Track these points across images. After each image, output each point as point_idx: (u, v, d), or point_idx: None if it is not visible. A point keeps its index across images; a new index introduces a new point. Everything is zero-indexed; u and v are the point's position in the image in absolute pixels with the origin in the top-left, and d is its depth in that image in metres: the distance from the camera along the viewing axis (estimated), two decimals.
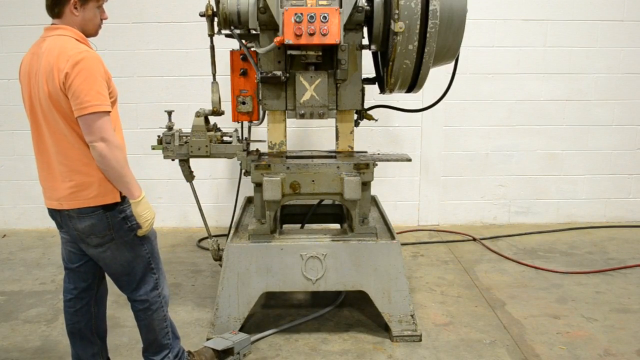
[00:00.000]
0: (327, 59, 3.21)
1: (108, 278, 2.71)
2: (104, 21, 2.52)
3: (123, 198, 2.44)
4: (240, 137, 3.38)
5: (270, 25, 3.14)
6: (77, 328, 2.66)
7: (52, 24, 2.42)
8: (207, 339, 3.12)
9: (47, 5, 2.39)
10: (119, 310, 3.64)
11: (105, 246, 2.46)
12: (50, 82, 2.27)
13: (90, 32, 2.46)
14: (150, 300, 2.62)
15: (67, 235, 2.55)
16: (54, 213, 2.50)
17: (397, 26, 2.95)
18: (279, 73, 3.18)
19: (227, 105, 3.37)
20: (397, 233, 3.45)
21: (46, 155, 2.42)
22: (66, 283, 2.67)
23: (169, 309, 2.75)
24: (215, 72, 3.38)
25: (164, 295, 2.68)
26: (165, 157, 3.34)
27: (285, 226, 4.05)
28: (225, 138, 3.36)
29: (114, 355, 3.10)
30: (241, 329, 3.18)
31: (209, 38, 3.28)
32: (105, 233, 2.43)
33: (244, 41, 3.26)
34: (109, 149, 2.28)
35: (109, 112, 2.31)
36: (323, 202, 3.96)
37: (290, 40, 2.96)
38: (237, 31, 3.22)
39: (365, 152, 3.61)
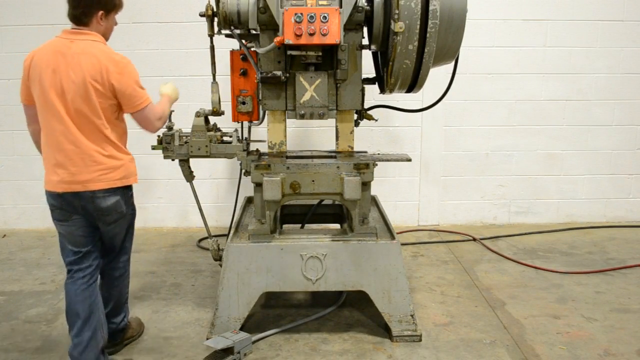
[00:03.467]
0: (327, 59, 3.21)
1: None
2: (116, 22, 2.93)
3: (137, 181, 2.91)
4: (240, 137, 3.38)
5: (270, 25, 3.14)
6: (88, 304, 2.81)
7: (73, 29, 2.72)
8: (207, 339, 3.12)
9: (73, 15, 2.70)
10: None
11: (118, 221, 2.89)
12: (96, 80, 2.63)
13: (107, 37, 2.86)
14: (125, 267, 3.11)
15: (82, 219, 2.80)
16: (71, 198, 2.72)
17: (397, 26, 2.95)
18: (279, 73, 3.18)
19: (227, 105, 3.37)
20: (397, 233, 3.45)
21: (70, 143, 2.67)
22: (73, 265, 2.84)
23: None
24: (215, 72, 3.38)
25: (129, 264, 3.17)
26: (165, 157, 3.35)
27: (285, 226, 4.05)
28: (225, 138, 3.36)
29: (114, 355, 3.11)
30: (241, 329, 3.18)
31: (209, 38, 3.28)
32: (122, 209, 2.85)
33: (244, 41, 3.26)
34: (162, 120, 2.93)
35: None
36: (323, 202, 3.96)
37: (290, 40, 2.96)
38: (237, 31, 3.22)
39: (365, 152, 3.61)
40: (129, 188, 2.90)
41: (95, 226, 2.85)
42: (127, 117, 2.89)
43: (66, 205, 2.75)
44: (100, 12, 2.71)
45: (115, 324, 3.09)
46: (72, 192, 2.70)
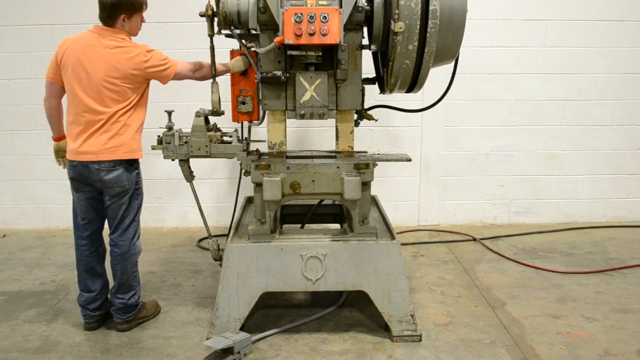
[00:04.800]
0: (327, 59, 3.21)
1: None
2: (145, 19, 3.26)
3: (142, 157, 3.28)
4: (240, 137, 3.38)
5: (270, 25, 3.14)
6: (90, 266, 3.33)
7: (107, 28, 3.11)
8: (207, 339, 3.12)
9: (100, 17, 3.11)
10: None
11: (120, 195, 3.20)
12: (126, 67, 3.05)
13: (133, 34, 3.21)
14: (128, 246, 3.31)
15: (90, 192, 3.22)
16: (81, 169, 3.13)
17: (397, 26, 2.95)
18: (279, 73, 3.18)
19: (227, 105, 3.37)
20: (397, 233, 3.45)
21: (89, 118, 3.08)
22: (81, 230, 3.31)
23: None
24: (215, 72, 3.38)
25: (138, 246, 3.40)
26: (165, 157, 3.35)
27: (285, 226, 4.05)
28: (225, 138, 3.36)
29: (113, 355, 3.11)
30: (241, 329, 3.18)
31: (209, 38, 3.28)
32: (125, 184, 3.19)
33: (244, 41, 3.26)
34: (202, 70, 3.31)
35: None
36: (323, 202, 3.96)
37: (290, 40, 2.96)
38: (237, 31, 3.22)
39: (365, 152, 3.61)
40: (134, 162, 3.24)
41: (100, 198, 3.25)
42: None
43: (80, 173, 3.15)
44: (123, 16, 3.08)
45: (124, 300, 3.33)
46: (81, 162, 3.11)
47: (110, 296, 3.39)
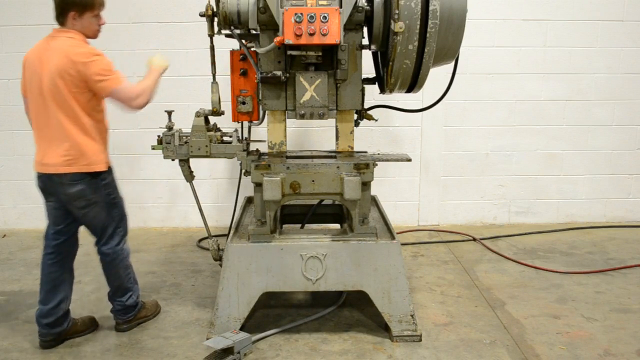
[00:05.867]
0: (327, 59, 3.21)
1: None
2: (104, 21, 3.08)
3: (106, 169, 3.08)
4: (240, 137, 3.38)
5: (270, 25, 3.13)
6: (52, 277, 3.16)
7: (60, 28, 2.98)
8: (207, 339, 3.12)
9: (55, 16, 2.98)
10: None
11: (88, 207, 3.06)
12: (66, 71, 2.84)
13: (89, 36, 3.04)
14: (117, 252, 3.22)
15: (56, 202, 3.08)
16: (45, 180, 3.02)
17: (397, 26, 2.95)
18: (279, 73, 3.18)
19: (227, 105, 3.37)
20: (397, 233, 3.45)
21: (49, 131, 2.95)
22: (50, 239, 3.16)
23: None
24: (215, 72, 3.38)
25: (125, 249, 3.28)
26: (165, 157, 3.34)
27: (285, 226, 4.05)
28: (225, 138, 3.36)
29: (113, 355, 3.11)
30: (241, 329, 3.18)
31: (209, 38, 3.28)
32: (90, 197, 3.04)
33: (244, 41, 3.26)
34: (144, 96, 3.02)
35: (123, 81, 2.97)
36: (323, 202, 3.96)
37: (290, 40, 2.96)
38: (237, 31, 3.22)
39: (365, 152, 3.61)
40: (97, 175, 3.04)
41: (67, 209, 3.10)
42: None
43: (44, 184, 3.06)
44: (73, 13, 2.92)
45: (122, 302, 3.31)
46: (45, 174, 3.00)
47: (109, 299, 3.36)
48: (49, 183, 3.03)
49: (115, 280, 3.28)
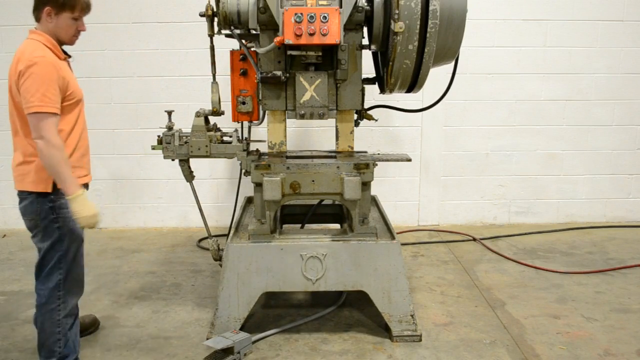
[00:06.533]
0: (327, 59, 3.21)
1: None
2: (84, 28, 2.76)
3: (57, 190, 2.65)
4: (240, 137, 3.38)
5: (270, 25, 3.14)
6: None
7: (32, 29, 2.69)
8: (207, 339, 3.12)
9: (32, 9, 2.68)
10: (119, 310, 3.64)
11: (33, 230, 2.73)
12: (12, 80, 2.58)
13: (63, 39, 2.69)
14: (47, 297, 2.73)
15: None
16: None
17: (397, 26, 2.95)
18: (279, 73, 3.18)
19: (227, 105, 3.37)
20: (397, 233, 3.45)
21: (14, 138, 2.72)
22: None
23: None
24: (215, 72, 3.38)
25: (65, 301, 2.76)
26: (165, 157, 3.34)
27: (285, 226, 4.05)
28: (225, 138, 3.36)
29: (113, 355, 3.11)
30: (241, 329, 3.18)
31: (209, 38, 3.28)
32: (32, 217, 2.70)
33: (244, 41, 3.26)
34: (47, 147, 2.50)
35: (54, 113, 2.53)
36: (323, 202, 3.96)
37: (290, 40, 2.96)
38: (237, 31, 3.22)
39: (365, 152, 3.61)
40: (46, 195, 2.65)
41: None
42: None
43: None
44: (48, 9, 2.60)
45: None
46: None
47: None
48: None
49: (41, 332, 2.76)
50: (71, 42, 2.73)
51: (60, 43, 2.70)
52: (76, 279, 2.82)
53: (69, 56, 2.78)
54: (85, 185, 2.81)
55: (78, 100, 2.72)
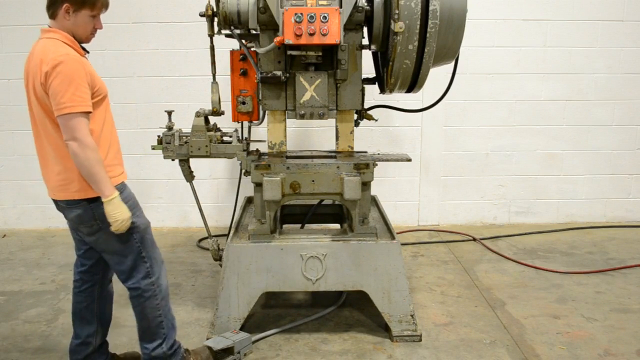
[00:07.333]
0: (327, 59, 3.21)
1: None
2: (101, 26, 2.65)
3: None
4: (240, 137, 3.38)
5: (270, 25, 3.14)
6: (79, 308, 2.82)
7: (48, 26, 2.54)
8: (207, 339, 3.12)
9: (46, 6, 2.52)
10: (118, 310, 3.64)
11: (95, 235, 2.61)
12: (37, 82, 2.42)
13: (80, 37, 2.56)
14: (143, 288, 2.71)
15: (69, 224, 2.72)
16: (55, 202, 2.65)
17: (397, 26, 2.95)
18: (279, 73, 3.18)
19: (227, 105, 3.37)
20: (397, 233, 3.45)
21: (43, 150, 2.58)
22: (75, 265, 2.84)
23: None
24: (215, 72, 3.38)
25: (159, 285, 2.75)
26: (165, 157, 3.34)
27: (285, 226, 4.05)
28: (225, 138, 3.36)
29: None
30: (241, 329, 3.18)
31: (209, 38, 3.28)
32: (92, 223, 2.57)
33: (244, 41, 3.26)
34: (80, 148, 2.39)
35: (86, 112, 2.42)
36: (323, 202, 3.96)
37: (290, 40, 2.96)
38: (237, 31, 3.23)
39: (365, 152, 3.61)
40: (98, 199, 2.51)
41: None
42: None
43: (56, 206, 2.68)
44: (66, 5, 2.45)
45: (147, 350, 2.79)
46: (52, 198, 2.63)
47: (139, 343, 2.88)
48: (57, 205, 2.66)
49: (142, 320, 2.78)
50: (88, 40, 2.61)
51: (77, 41, 2.56)
52: (159, 259, 2.78)
53: (87, 52, 2.65)
54: (122, 184, 2.66)
55: (104, 96, 2.62)
